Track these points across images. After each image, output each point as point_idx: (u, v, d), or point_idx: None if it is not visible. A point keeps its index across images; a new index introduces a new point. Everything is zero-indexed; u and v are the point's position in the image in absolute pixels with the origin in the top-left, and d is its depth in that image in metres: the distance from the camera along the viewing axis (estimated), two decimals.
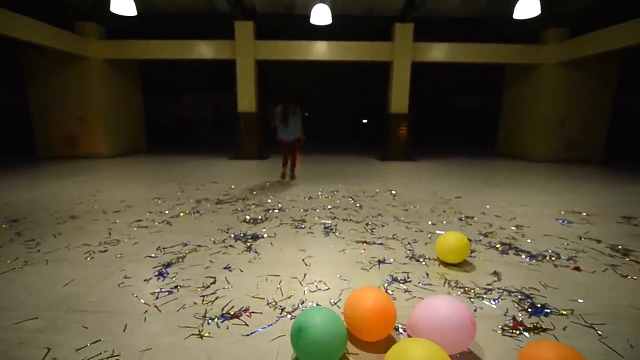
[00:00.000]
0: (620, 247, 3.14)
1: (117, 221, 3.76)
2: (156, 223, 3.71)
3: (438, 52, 9.62)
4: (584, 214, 4.28)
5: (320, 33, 9.44)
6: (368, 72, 13.24)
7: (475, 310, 2.06)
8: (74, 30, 8.98)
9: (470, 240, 3.28)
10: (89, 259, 2.75)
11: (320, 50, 9.46)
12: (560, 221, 3.96)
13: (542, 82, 9.77)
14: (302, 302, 2.12)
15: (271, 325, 1.88)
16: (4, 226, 3.54)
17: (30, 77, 9.40)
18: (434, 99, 18.19)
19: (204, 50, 9.51)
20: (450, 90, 17.43)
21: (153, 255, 2.84)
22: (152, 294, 2.21)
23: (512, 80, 11.00)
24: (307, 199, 4.94)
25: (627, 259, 2.87)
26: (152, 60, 10.04)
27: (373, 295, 1.73)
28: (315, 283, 2.39)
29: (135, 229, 3.52)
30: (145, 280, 2.40)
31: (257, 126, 9.78)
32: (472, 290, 2.30)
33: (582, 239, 3.36)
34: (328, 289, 2.32)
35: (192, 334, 1.79)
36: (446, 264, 2.73)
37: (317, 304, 2.11)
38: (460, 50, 9.62)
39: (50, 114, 9.53)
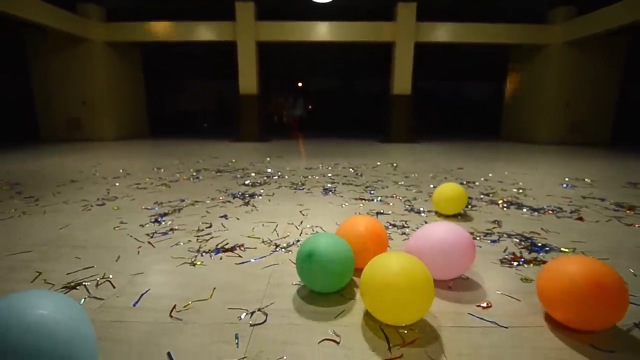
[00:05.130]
0: (624, 203, 3.08)
1: (117, 184, 3.76)
2: (154, 185, 3.70)
3: (442, 32, 9.47)
4: (588, 180, 4.21)
5: (321, 14, 9.34)
6: (371, 58, 13.10)
7: None
8: (75, 12, 8.95)
9: (471, 198, 3.23)
10: (86, 211, 2.75)
11: (321, 31, 9.35)
12: (564, 185, 3.89)
13: (548, 63, 9.59)
14: (298, 241, 2.09)
15: (264, 257, 1.86)
16: (4, 188, 3.55)
17: (33, 60, 9.41)
18: (438, 86, 18.04)
19: (205, 32, 9.44)
20: (455, 76, 17.25)
21: (150, 207, 2.83)
22: (147, 234, 2.19)
23: (517, 63, 10.82)
24: (307, 169, 4.90)
25: (632, 213, 2.80)
26: (153, 44, 10.00)
27: (364, 220, 1.70)
28: (312, 227, 2.36)
29: (133, 189, 3.51)
30: (140, 225, 2.38)
31: (258, 108, 9.73)
32: (472, 234, 2.26)
33: (586, 198, 3.30)
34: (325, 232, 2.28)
35: (185, 263, 1.77)
36: (446, 217, 2.68)
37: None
38: (464, 30, 9.46)
39: (53, 96, 9.55)
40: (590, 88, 9.60)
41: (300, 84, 20.29)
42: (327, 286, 1.42)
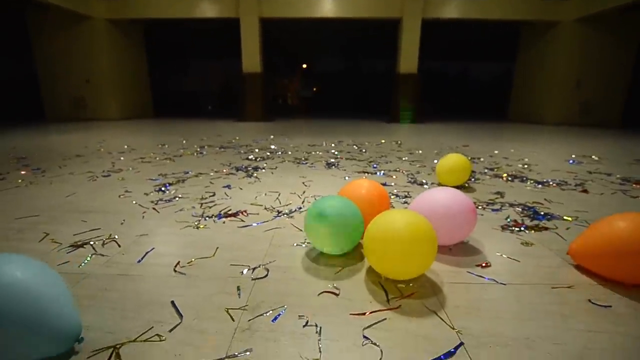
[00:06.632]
0: (631, 178, 3.04)
1: (121, 158, 3.79)
2: (159, 160, 3.72)
3: (450, 8, 9.19)
4: (595, 157, 4.15)
5: None
6: (377, 38, 12.81)
7: None
8: None
9: (474, 172, 3.21)
10: (91, 181, 2.78)
11: (326, 7, 9.12)
12: (570, 161, 3.84)
13: (559, 42, 9.31)
14: (300, 208, 2.11)
15: (266, 221, 1.88)
16: (11, 161, 3.59)
17: (36, 39, 9.34)
18: (446, 66, 17.67)
19: (207, 8, 9.26)
20: (463, 57, 16.86)
21: (154, 178, 2.85)
22: (151, 202, 2.22)
23: (527, 42, 10.51)
24: (311, 146, 4.89)
25: (639, 187, 2.77)
26: (155, 21, 9.85)
27: (366, 183, 1.70)
28: (315, 197, 2.37)
29: (138, 163, 3.54)
30: (145, 193, 2.41)
31: (262, 87, 9.62)
32: (474, 203, 2.25)
33: (592, 173, 3.26)
34: None
35: (188, 226, 1.80)
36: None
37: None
38: (474, 6, 9.17)
39: (57, 75, 9.53)
40: (601, 68, 9.35)
41: (305, 65, 19.99)
42: (336, 248, 1.41)
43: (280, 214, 1.99)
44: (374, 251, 1.22)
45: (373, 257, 1.24)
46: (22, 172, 3.05)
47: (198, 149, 4.49)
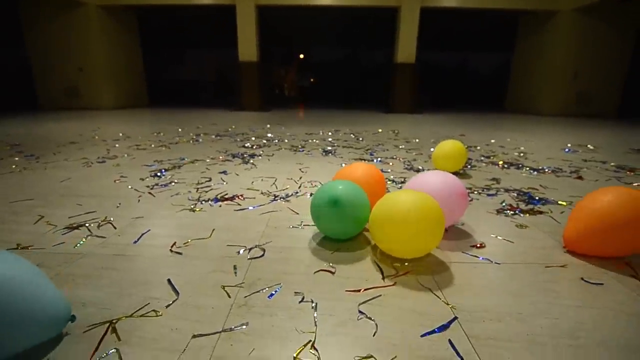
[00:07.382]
0: (625, 166, 3.06)
1: (116, 145, 3.75)
2: (154, 147, 3.69)
3: None
4: (591, 146, 4.17)
5: None
6: (375, 28, 12.67)
7: (471, 201, 2.02)
8: None
9: (470, 159, 3.22)
10: (86, 167, 2.76)
11: None
12: (565, 150, 3.86)
13: (557, 32, 9.26)
14: (297, 193, 2.11)
15: (263, 205, 1.88)
16: (5, 148, 3.55)
17: (29, 26, 9.14)
18: (444, 57, 17.56)
19: None
20: (462, 47, 16.75)
21: (150, 164, 2.84)
22: (147, 186, 2.21)
23: (525, 32, 10.45)
24: (308, 134, 4.87)
25: (632, 174, 2.79)
26: (148, 8, 9.66)
27: (361, 166, 1.71)
28: (311, 182, 2.37)
29: (133, 150, 3.51)
30: (141, 179, 2.39)
31: (258, 76, 9.52)
32: (470, 189, 2.27)
33: (587, 161, 3.28)
34: None
35: (185, 209, 1.80)
36: None
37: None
38: None
39: (50, 63, 9.36)
40: (599, 58, 9.32)
41: (302, 56, 19.79)
42: (343, 233, 1.40)
43: (276, 198, 1.99)
44: (383, 229, 1.23)
45: (381, 235, 1.25)
46: (16, 159, 3.01)
47: (194, 137, 4.46)
